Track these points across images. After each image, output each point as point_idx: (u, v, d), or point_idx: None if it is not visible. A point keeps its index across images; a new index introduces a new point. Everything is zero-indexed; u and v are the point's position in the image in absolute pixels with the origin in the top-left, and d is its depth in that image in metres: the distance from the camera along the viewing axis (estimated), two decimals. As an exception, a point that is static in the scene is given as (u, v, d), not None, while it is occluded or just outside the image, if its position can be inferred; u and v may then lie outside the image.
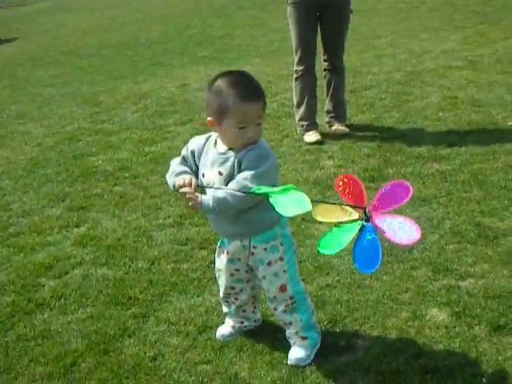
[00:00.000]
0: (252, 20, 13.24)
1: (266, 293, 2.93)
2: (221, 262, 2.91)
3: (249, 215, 2.66)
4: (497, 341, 2.78)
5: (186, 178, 2.63)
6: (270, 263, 2.77)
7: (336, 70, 5.76)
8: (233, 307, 3.02)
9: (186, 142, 5.74)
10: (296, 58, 5.68)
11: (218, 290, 3.08)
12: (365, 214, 2.41)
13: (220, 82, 2.61)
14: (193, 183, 2.61)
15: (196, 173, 2.74)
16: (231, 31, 12.30)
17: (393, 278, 3.38)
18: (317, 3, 5.46)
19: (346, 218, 2.45)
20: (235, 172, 2.60)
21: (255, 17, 13.56)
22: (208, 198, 2.57)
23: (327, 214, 2.48)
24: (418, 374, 2.62)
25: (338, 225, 2.46)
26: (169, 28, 13.58)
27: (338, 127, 5.78)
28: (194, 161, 2.76)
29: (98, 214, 4.62)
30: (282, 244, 2.77)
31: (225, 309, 3.08)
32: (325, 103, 5.95)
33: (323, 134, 5.70)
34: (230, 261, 2.86)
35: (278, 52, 9.91)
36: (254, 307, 3.08)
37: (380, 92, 6.87)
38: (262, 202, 2.53)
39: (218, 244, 2.92)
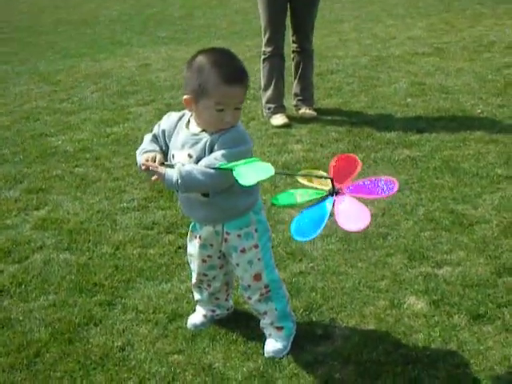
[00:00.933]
0: (213, 0, 13.04)
1: (239, 281, 2.81)
2: (193, 247, 2.78)
3: (222, 201, 2.54)
4: (477, 330, 2.71)
5: (151, 154, 2.50)
6: (243, 250, 2.64)
7: (305, 52, 5.65)
8: (205, 294, 2.89)
9: (148, 123, 5.67)
10: (264, 39, 5.55)
11: (190, 276, 2.95)
12: (333, 186, 2.33)
13: (202, 59, 2.45)
14: (157, 159, 2.48)
15: (166, 152, 2.60)
16: (192, 11, 12.12)
17: (368, 265, 3.29)
18: (287, -17, 5.34)
19: (320, 187, 2.39)
20: (206, 155, 2.45)
21: (216, -2, 13.39)
22: (173, 171, 2.43)
23: (308, 180, 2.44)
24: (399, 365, 2.53)
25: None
26: (128, 7, 13.30)
27: (305, 111, 5.67)
28: (165, 140, 2.61)
29: (59, 196, 4.43)
30: (256, 230, 2.64)
31: (196, 296, 2.94)
32: (292, 86, 5.84)
33: (290, 118, 5.60)
34: (203, 246, 2.72)
35: (240, 33, 9.79)
36: (227, 295, 2.95)
37: (347, 76, 6.79)
38: (235, 188, 2.43)
39: (190, 228, 2.79)
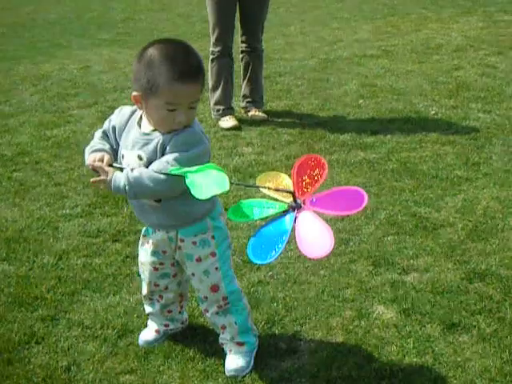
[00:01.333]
0: (155, 4, 12.74)
1: (195, 292, 2.58)
2: (144, 252, 2.53)
3: (176, 207, 2.32)
4: (453, 340, 2.56)
5: (98, 155, 2.27)
6: (199, 259, 2.41)
7: (255, 52, 5.45)
8: (157, 306, 2.65)
9: (91, 126, 5.38)
10: (213, 38, 5.33)
11: (140, 287, 2.70)
12: (294, 201, 2.13)
13: (153, 52, 2.21)
14: (105, 160, 2.26)
15: (117, 151, 2.37)
16: (133, 15, 11.78)
17: (331, 273, 3.10)
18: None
19: (280, 198, 2.18)
20: (158, 157, 2.23)
21: (159, 1, 13.07)
22: (121, 175, 2.20)
23: (268, 182, 2.23)
24: (372, 380, 2.35)
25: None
26: (67, 10, 12.87)
27: (255, 113, 5.48)
28: (115, 137, 2.38)
29: (-4, 198, 4.13)
30: (213, 237, 2.42)
31: (148, 309, 2.70)
32: (241, 87, 5.64)
33: (240, 120, 5.39)
34: (154, 253, 2.49)
35: (183, 36, 9.46)
36: (181, 307, 2.72)
37: (296, 78, 6.62)
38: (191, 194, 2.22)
39: (142, 232, 2.54)
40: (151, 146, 2.25)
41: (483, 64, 6.60)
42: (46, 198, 4.15)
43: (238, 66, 5.58)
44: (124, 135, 2.33)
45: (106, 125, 2.41)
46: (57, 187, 4.30)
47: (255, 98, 5.56)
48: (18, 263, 3.36)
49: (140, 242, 2.57)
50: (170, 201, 2.31)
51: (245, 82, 5.57)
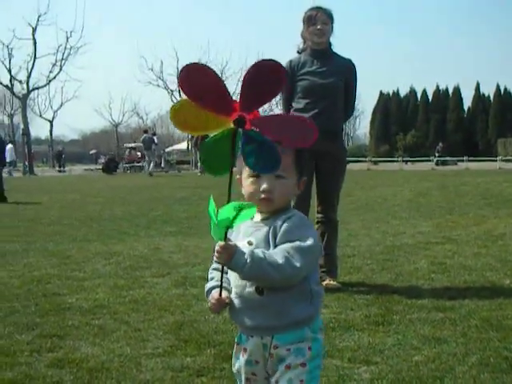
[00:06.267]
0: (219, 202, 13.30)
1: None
2: (239, 362, 2.39)
3: (278, 303, 2.25)
4: None
5: (213, 304, 2.31)
6: (288, 366, 2.25)
7: (330, 223, 5.61)
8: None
9: (166, 290, 5.45)
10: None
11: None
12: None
13: None
14: (218, 297, 2.30)
15: None
16: (196, 214, 12.27)
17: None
18: (314, 151, 5.43)
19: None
20: (270, 241, 2.25)
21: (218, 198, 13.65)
22: (244, 252, 2.17)
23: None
24: None
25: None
26: (132, 209, 13.52)
27: (329, 282, 5.51)
28: None
29: (76, 342, 4.13)
30: (310, 349, 2.27)
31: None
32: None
33: (313, 288, 5.40)
34: (248, 362, 2.34)
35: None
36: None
37: (364, 259, 6.71)
38: (294, 291, 2.23)
39: (236, 340, 2.42)
40: (261, 233, 2.28)
41: (554, 247, 6.65)
42: (126, 340, 4.15)
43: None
44: (235, 232, 2.35)
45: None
46: (136, 332, 4.32)
47: (330, 267, 5.62)
48: (103, 388, 3.31)
49: (234, 351, 2.44)
50: (271, 294, 2.25)
51: (319, 251, 5.67)
